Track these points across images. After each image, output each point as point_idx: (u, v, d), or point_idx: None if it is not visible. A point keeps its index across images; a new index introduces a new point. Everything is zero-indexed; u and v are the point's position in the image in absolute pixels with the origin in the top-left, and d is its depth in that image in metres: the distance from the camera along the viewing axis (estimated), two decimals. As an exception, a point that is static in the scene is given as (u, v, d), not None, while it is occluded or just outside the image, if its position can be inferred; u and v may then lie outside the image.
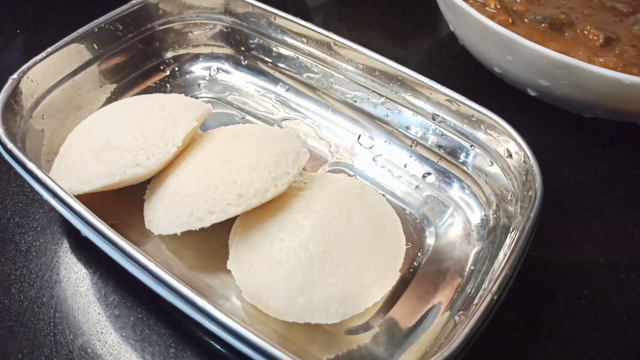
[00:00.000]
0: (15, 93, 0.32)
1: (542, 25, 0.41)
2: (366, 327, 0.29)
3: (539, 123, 0.42)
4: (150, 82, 0.41)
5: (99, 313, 0.29)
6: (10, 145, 0.28)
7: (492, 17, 0.40)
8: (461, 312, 0.27)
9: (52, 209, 0.34)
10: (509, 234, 0.30)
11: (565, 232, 0.36)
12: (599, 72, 0.33)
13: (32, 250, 0.32)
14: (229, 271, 0.29)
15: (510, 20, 0.41)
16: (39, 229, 0.33)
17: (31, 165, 0.28)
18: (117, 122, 0.31)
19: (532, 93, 0.40)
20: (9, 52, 0.46)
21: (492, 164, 0.33)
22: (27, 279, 0.31)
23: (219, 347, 0.28)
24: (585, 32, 0.40)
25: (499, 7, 0.42)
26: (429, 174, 0.36)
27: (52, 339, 0.28)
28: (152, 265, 0.24)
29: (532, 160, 0.30)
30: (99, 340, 0.28)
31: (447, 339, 0.25)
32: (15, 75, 0.32)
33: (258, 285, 0.27)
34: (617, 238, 0.36)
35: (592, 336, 0.31)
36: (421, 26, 0.52)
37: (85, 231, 0.27)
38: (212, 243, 0.31)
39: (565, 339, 0.31)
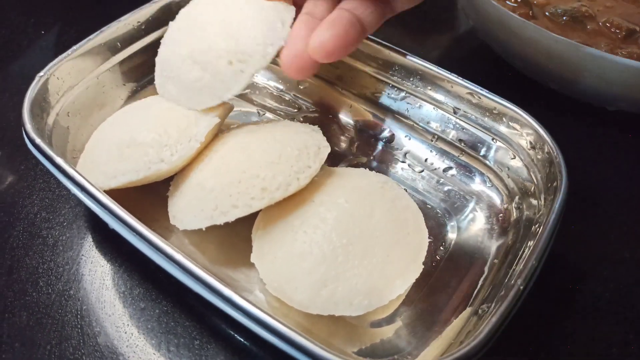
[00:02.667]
0: (42, 90, 0.32)
1: (564, 18, 0.40)
2: (389, 320, 0.29)
3: (561, 117, 0.42)
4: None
5: (124, 306, 0.30)
6: (38, 140, 0.29)
7: (512, 10, 0.40)
8: (485, 305, 0.27)
9: (78, 204, 0.34)
10: (533, 227, 0.29)
11: (589, 226, 0.35)
12: (623, 62, 0.33)
13: (59, 244, 0.33)
14: (252, 265, 0.29)
15: (530, 14, 0.41)
16: (65, 223, 0.34)
17: (59, 160, 0.28)
18: (140, 119, 0.32)
19: (554, 86, 0.40)
20: (34, 52, 0.47)
21: (514, 156, 0.33)
22: (54, 273, 0.31)
23: (242, 339, 0.29)
24: (608, 25, 0.40)
25: (519, 0, 0.41)
26: (450, 168, 0.36)
27: (79, 330, 0.29)
28: (180, 257, 0.25)
29: (556, 151, 0.30)
30: (125, 332, 0.29)
31: (472, 332, 0.25)
32: (42, 73, 0.33)
33: (282, 278, 0.27)
34: (643, 232, 0.35)
35: (619, 330, 0.30)
36: (439, 22, 0.52)
37: (113, 223, 0.27)
38: (234, 237, 0.31)
39: (591, 334, 0.30)
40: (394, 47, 0.36)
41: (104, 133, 0.33)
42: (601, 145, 0.40)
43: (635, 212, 0.36)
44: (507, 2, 0.42)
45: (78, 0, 0.52)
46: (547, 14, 0.41)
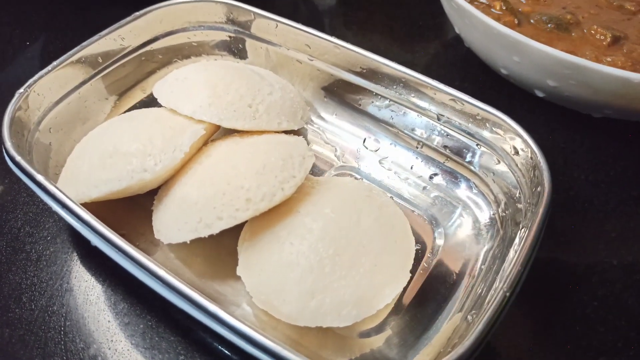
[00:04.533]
0: (22, 107, 0.32)
1: (549, 25, 0.40)
2: (378, 329, 0.29)
3: (547, 124, 0.42)
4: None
5: (108, 321, 0.29)
6: (18, 158, 0.29)
7: (497, 18, 0.40)
8: (473, 311, 0.27)
9: (62, 218, 0.34)
10: (519, 232, 0.29)
11: (577, 233, 0.35)
12: (608, 72, 0.33)
13: (43, 259, 0.32)
14: (238, 278, 0.29)
15: (516, 22, 0.41)
16: (49, 238, 0.33)
17: (40, 177, 0.28)
18: (124, 130, 0.32)
19: (539, 94, 0.40)
20: (18, 63, 0.47)
21: (499, 162, 0.33)
22: (37, 288, 0.31)
23: (228, 353, 0.28)
24: (592, 32, 0.40)
25: (504, 8, 0.41)
26: (435, 174, 0.36)
27: (63, 347, 0.28)
28: (163, 273, 0.24)
29: (539, 156, 0.30)
30: (109, 349, 0.28)
31: (460, 339, 0.25)
32: (22, 89, 0.32)
33: (269, 290, 0.27)
34: (631, 239, 0.35)
35: (607, 338, 0.30)
36: (427, 29, 0.52)
37: (96, 241, 0.27)
38: (220, 250, 0.31)
39: (580, 342, 0.30)
40: (377, 55, 0.36)
41: (87, 145, 0.32)
42: (588, 152, 0.40)
43: (623, 219, 0.36)
44: (492, 10, 0.42)
45: (63, 11, 0.51)
46: (532, 21, 0.41)
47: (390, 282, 0.28)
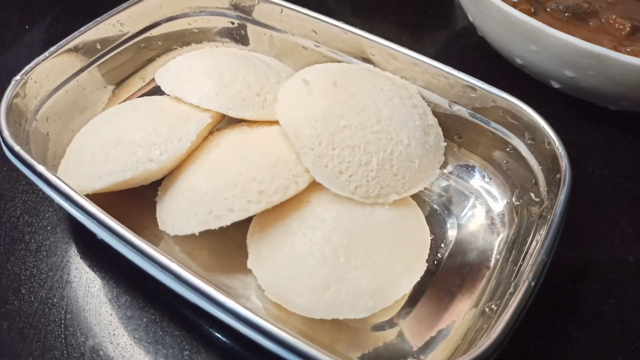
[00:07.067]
0: (19, 94, 0.31)
1: (565, 14, 0.39)
2: (391, 323, 0.28)
3: (563, 116, 0.41)
4: (155, 82, 0.40)
5: (110, 314, 0.29)
6: (17, 148, 0.28)
7: (513, 6, 0.39)
8: (491, 303, 0.26)
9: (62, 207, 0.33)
10: (537, 220, 0.29)
11: (592, 229, 0.34)
12: (630, 62, 0.32)
13: (42, 249, 0.31)
14: (248, 271, 0.28)
15: (532, 10, 0.39)
16: (49, 227, 0.32)
17: (41, 168, 0.27)
18: (128, 119, 0.31)
19: (555, 85, 0.39)
20: (18, 48, 0.45)
21: (513, 150, 0.32)
22: (37, 280, 0.30)
23: (234, 346, 0.28)
24: (611, 21, 0.39)
25: (520, -4, 0.40)
26: (447, 163, 0.35)
27: (63, 341, 0.28)
28: (175, 265, 0.23)
29: (558, 143, 0.29)
30: (111, 343, 0.28)
31: (480, 331, 0.24)
32: (18, 77, 0.31)
33: (282, 282, 0.26)
34: (647, 235, 0.34)
35: (624, 337, 0.30)
36: (437, 18, 0.51)
37: (102, 234, 0.26)
38: (228, 243, 0.30)
39: (595, 341, 0.29)
40: (386, 41, 0.35)
41: (87, 135, 0.31)
42: (604, 145, 0.39)
43: (639, 214, 0.35)
44: (508, -3, 0.40)
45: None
46: (548, 10, 0.40)
47: (407, 272, 0.27)
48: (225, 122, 0.34)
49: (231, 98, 0.31)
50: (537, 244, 0.26)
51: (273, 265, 0.27)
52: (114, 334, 0.28)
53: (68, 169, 0.30)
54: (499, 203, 0.33)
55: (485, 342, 0.21)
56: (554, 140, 0.29)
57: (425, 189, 0.34)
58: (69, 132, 0.33)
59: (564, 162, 0.29)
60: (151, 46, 0.39)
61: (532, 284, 0.24)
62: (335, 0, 0.53)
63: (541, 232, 0.27)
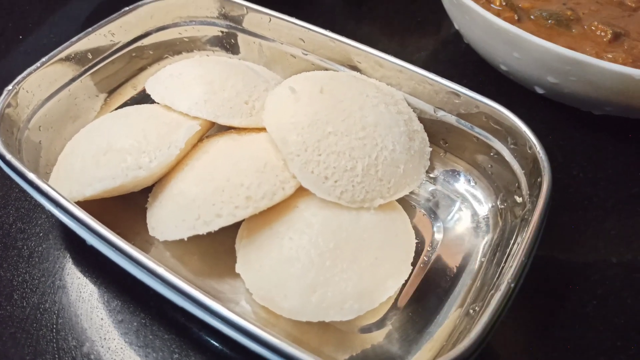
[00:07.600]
0: (11, 104, 0.31)
1: (549, 21, 0.40)
2: (379, 325, 0.29)
3: (547, 121, 0.41)
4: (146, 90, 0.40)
5: (101, 319, 0.29)
6: (9, 157, 0.28)
7: (497, 14, 0.40)
8: (475, 304, 0.27)
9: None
10: (520, 223, 0.29)
11: (576, 231, 0.35)
12: (609, 68, 0.33)
13: (35, 256, 0.32)
14: (236, 275, 0.28)
15: (516, 17, 0.40)
16: (41, 234, 0.33)
17: (32, 176, 0.27)
18: (118, 126, 0.31)
19: (539, 91, 0.40)
20: (12, 57, 0.46)
21: (497, 154, 0.33)
22: (29, 285, 0.30)
23: (223, 349, 0.28)
24: (593, 28, 0.40)
25: (504, 4, 0.41)
26: (433, 168, 0.36)
27: (55, 345, 0.28)
28: (163, 271, 0.24)
29: (538, 147, 0.30)
30: (102, 347, 0.28)
31: (463, 333, 0.25)
32: (10, 87, 0.32)
33: (269, 286, 0.27)
34: (630, 237, 0.35)
35: (607, 337, 0.30)
36: (426, 24, 0.52)
37: (92, 240, 0.26)
38: (217, 248, 0.31)
39: (579, 341, 0.30)
40: (372, 49, 0.35)
41: (79, 143, 0.32)
42: (588, 149, 0.40)
43: (622, 217, 0.36)
44: (492, 5, 0.41)
45: (58, 3, 0.51)
46: (532, 17, 0.41)
47: (392, 274, 0.28)
48: (215, 129, 0.34)
49: (220, 106, 0.32)
50: (518, 246, 0.26)
51: (261, 269, 0.27)
52: (105, 338, 0.28)
53: (60, 177, 0.30)
54: (484, 206, 0.33)
55: (464, 343, 0.22)
56: (535, 144, 0.30)
57: (412, 193, 0.34)
58: (61, 140, 0.34)
59: (545, 165, 0.29)
60: (142, 55, 0.40)
61: (512, 285, 0.24)
62: (327, 7, 0.54)
63: (523, 234, 0.27)
